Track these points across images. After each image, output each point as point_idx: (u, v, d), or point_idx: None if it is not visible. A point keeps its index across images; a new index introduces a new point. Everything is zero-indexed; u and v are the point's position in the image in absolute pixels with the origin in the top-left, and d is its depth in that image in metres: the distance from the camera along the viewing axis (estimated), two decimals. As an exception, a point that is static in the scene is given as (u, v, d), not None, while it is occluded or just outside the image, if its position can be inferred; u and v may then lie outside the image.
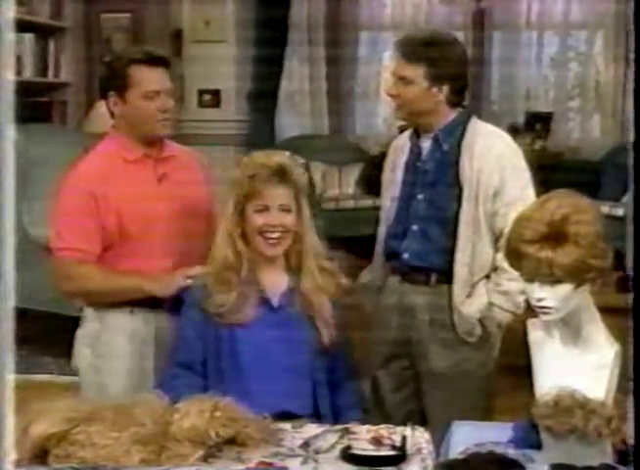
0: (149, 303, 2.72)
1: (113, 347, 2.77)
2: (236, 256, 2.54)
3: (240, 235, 2.55)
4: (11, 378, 1.16)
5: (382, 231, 3.00)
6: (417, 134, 2.91)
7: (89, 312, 2.83)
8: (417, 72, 2.78)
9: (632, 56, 1.50)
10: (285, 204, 2.53)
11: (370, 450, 2.10)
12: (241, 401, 2.18)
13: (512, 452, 2.04)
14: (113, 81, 2.77)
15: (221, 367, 2.50)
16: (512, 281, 2.60)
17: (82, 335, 2.85)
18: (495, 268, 2.78)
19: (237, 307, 2.51)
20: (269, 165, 2.52)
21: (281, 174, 2.52)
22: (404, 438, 2.13)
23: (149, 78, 2.74)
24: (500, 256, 2.63)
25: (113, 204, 2.72)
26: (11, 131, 1.14)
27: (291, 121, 8.12)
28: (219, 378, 2.49)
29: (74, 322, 2.91)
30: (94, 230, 2.71)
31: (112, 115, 2.82)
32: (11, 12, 1.12)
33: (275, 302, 2.56)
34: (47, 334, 5.19)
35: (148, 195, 2.76)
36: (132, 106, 2.75)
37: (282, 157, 2.58)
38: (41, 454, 2.01)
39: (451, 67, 2.80)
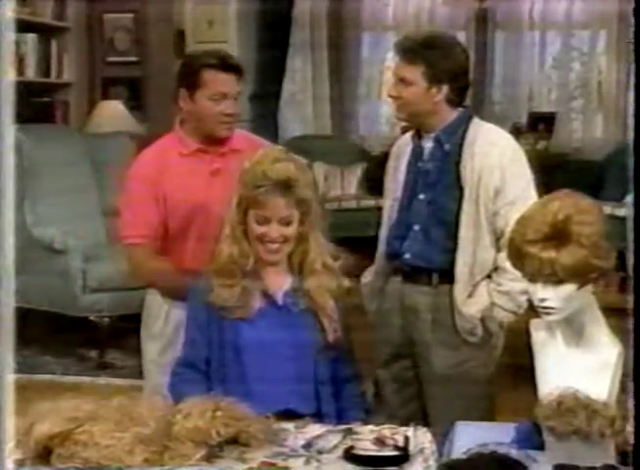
0: None
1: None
2: (240, 252, 2.53)
3: (242, 233, 2.54)
4: (11, 378, 1.16)
5: (383, 232, 2.99)
6: (419, 135, 2.91)
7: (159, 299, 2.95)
8: (416, 73, 2.77)
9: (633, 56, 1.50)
10: (286, 216, 2.49)
11: (373, 451, 2.10)
12: (243, 399, 2.18)
13: (515, 453, 2.04)
14: (184, 79, 2.92)
15: (225, 364, 2.50)
16: (513, 281, 2.60)
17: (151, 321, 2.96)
18: (496, 268, 2.78)
19: (241, 302, 2.51)
20: (272, 178, 2.46)
21: (284, 186, 2.47)
22: (407, 438, 2.13)
23: (217, 81, 2.87)
24: (501, 255, 2.63)
25: (162, 193, 2.86)
26: (11, 131, 1.14)
27: (293, 122, 8.12)
28: (222, 375, 2.49)
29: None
30: (156, 215, 2.86)
31: (180, 110, 2.96)
32: (11, 12, 1.12)
33: (279, 299, 2.56)
34: (50, 334, 5.20)
35: (196, 187, 2.87)
36: (198, 105, 2.89)
37: (286, 166, 2.50)
38: (44, 454, 2.02)
39: (450, 67, 2.79)
